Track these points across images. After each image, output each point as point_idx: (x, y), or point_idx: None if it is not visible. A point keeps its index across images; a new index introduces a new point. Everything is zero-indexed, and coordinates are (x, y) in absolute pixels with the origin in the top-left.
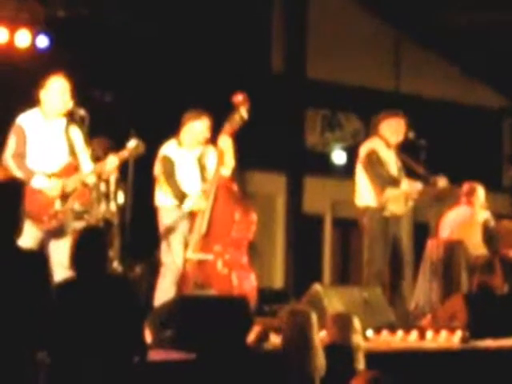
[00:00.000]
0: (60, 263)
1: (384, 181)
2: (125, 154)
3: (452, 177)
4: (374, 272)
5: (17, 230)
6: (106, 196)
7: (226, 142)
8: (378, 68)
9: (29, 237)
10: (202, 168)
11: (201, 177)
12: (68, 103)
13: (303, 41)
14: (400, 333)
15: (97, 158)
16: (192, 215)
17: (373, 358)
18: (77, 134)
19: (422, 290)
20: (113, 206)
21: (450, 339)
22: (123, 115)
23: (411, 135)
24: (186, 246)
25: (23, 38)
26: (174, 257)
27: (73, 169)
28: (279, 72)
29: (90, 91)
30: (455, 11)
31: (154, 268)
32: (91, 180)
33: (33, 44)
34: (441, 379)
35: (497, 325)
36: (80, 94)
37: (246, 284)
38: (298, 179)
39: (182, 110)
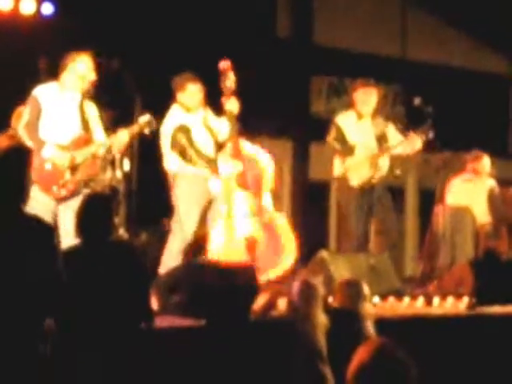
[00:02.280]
0: (68, 232)
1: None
2: (135, 128)
3: (458, 143)
4: (355, 244)
5: (23, 197)
6: (112, 163)
7: (234, 104)
8: (385, 34)
9: (41, 205)
10: (210, 131)
11: (213, 140)
12: (90, 81)
13: (309, 6)
14: (406, 299)
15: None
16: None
17: (379, 324)
18: (92, 109)
19: (428, 256)
20: (118, 173)
21: (457, 305)
22: (130, 82)
23: (417, 102)
24: (203, 217)
25: (28, 6)
26: (183, 225)
27: (84, 141)
28: (285, 37)
29: (96, 58)
30: None
31: (160, 235)
32: (101, 152)
33: (38, 11)
34: (447, 345)
35: (503, 291)
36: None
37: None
38: (304, 146)
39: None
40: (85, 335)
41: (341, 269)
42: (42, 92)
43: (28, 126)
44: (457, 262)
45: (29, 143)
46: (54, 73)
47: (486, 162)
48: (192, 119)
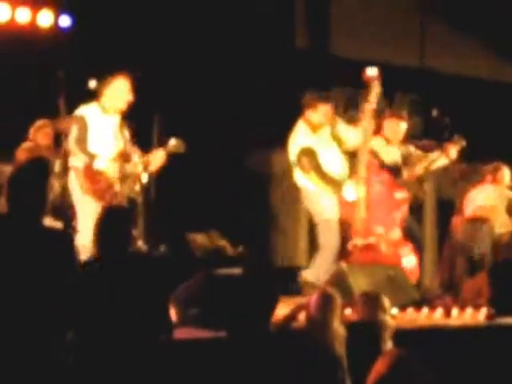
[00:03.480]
0: None
1: None
2: (167, 149)
3: (476, 154)
4: None
5: (42, 208)
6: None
7: (370, 124)
8: (403, 44)
9: (92, 214)
10: (338, 141)
11: (340, 153)
12: (127, 102)
13: (327, 17)
14: (425, 310)
15: None
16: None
17: (398, 335)
18: (127, 130)
19: (446, 267)
20: (137, 186)
21: (475, 316)
22: (148, 94)
23: (435, 113)
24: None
25: (46, 18)
26: (326, 236)
27: (126, 157)
28: (303, 48)
29: (113, 71)
30: None
31: (178, 247)
32: (139, 169)
33: (55, 24)
34: (466, 356)
35: None
36: (103, 74)
37: (410, 258)
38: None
39: (207, 87)
40: (103, 347)
41: (359, 281)
42: (87, 112)
43: (79, 141)
44: (475, 272)
45: (81, 157)
46: (71, 86)
47: (505, 172)
48: (317, 139)
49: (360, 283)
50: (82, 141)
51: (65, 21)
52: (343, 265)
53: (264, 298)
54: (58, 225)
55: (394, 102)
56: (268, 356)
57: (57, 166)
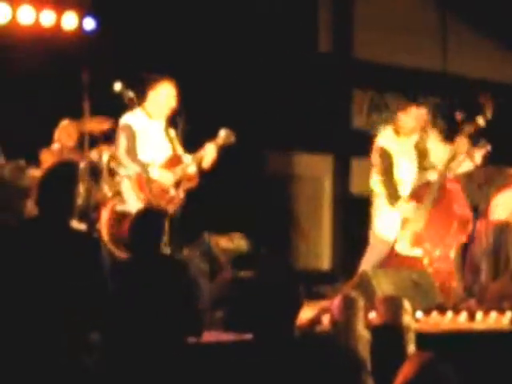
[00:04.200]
0: None
1: None
2: (219, 141)
3: (502, 158)
4: None
5: (71, 211)
6: None
7: (463, 144)
8: (425, 48)
9: None
10: (420, 154)
11: (416, 165)
12: (172, 107)
13: (350, 20)
14: (449, 314)
15: None
16: None
17: (422, 339)
18: (173, 134)
19: (470, 271)
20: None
21: (500, 320)
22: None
23: (459, 116)
24: None
25: (70, 21)
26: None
27: (176, 161)
28: (326, 52)
29: (137, 73)
30: None
31: (201, 250)
32: (192, 169)
33: (79, 26)
34: (490, 360)
35: None
36: (128, 77)
37: (446, 285)
38: (345, 160)
39: (229, 89)
40: (132, 348)
41: (383, 284)
42: (133, 120)
43: (128, 151)
44: (500, 276)
45: (132, 167)
46: (96, 88)
47: None
48: (400, 144)
49: (384, 287)
50: (131, 150)
51: (89, 23)
52: (367, 268)
53: (288, 300)
54: (82, 227)
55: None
56: (293, 359)
57: (81, 167)
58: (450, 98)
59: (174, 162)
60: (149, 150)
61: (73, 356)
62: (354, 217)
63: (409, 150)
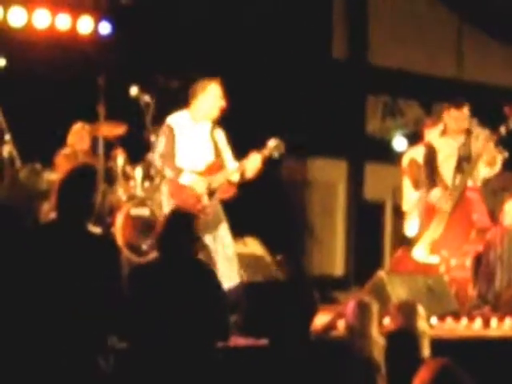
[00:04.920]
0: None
1: None
2: (265, 152)
3: None
4: None
5: (91, 214)
6: None
7: (491, 150)
8: (440, 54)
9: None
10: (462, 160)
11: (455, 167)
12: (221, 108)
13: (365, 27)
14: (464, 320)
15: None
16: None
17: (437, 345)
18: (221, 136)
19: (484, 278)
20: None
21: None
22: (187, 101)
23: (474, 124)
24: None
25: (86, 25)
26: None
27: (217, 167)
28: (341, 58)
29: (154, 78)
30: None
31: None
32: (235, 178)
33: (95, 30)
34: (505, 367)
35: None
36: (144, 81)
37: (461, 294)
38: (358, 166)
39: (244, 95)
40: (159, 351)
41: (398, 289)
42: (176, 121)
43: (165, 155)
44: None
45: (167, 172)
46: (111, 92)
47: None
48: (444, 143)
49: (398, 292)
50: (168, 155)
51: (105, 27)
52: (382, 273)
53: (304, 305)
54: (97, 230)
55: (432, 112)
56: (308, 364)
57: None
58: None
59: (214, 168)
60: (189, 155)
61: (90, 359)
62: (367, 222)
63: (451, 150)
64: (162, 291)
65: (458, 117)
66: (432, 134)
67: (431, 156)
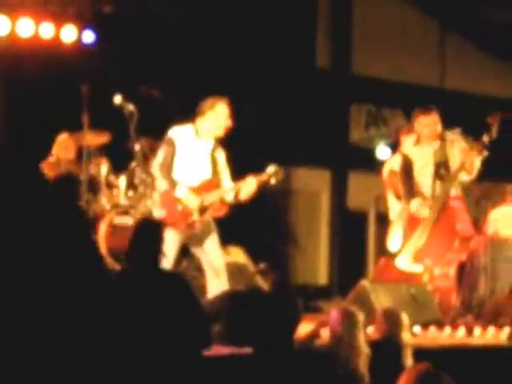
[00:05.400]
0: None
1: None
2: (263, 177)
3: (501, 174)
4: None
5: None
6: (153, 191)
7: (471, 160)
8: (423, 64)
9: (171, 242)
10: (443, 163)
11: (432, 173)
12: (226, 128)
13: (348, 36)
14: (447, 329)
15: (144, 157)
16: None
17: (420, 354)
18: (221, 155)
19: (467, 287)
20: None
21: (498, 336)
22: (171, 110)
23: (457, 132)
24: None
25: (69, 34)
26: None
27: (213, 185)
28: (324, 67)
29: (137, 86)
30: (502, 5)
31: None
32: (229, 197)
33: (79, 39)
34: (488, 376)
35: None
36: (128, 89)
37: (445, 302)
38: (342, 175)
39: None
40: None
41: (382, 298)
42: (179, 134)
43: (163, 166)
44: (497, 292)
45: (162, 182)
46: (95, 101)
47: None
48: (418, 151)
49: (382, 301)
50: (165, 166)
51: (88, 36)
52: (365, 282)
53: (287, 314)
54: None
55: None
56: (292, 373)
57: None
58: (448, 113)
59: (210, 185)
60: (187, 169)
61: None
62: (351, 231)
63: (427, 156)
64: (129, 301)
65: (427, 123)
66: (407, 143)
67: (407, 166)
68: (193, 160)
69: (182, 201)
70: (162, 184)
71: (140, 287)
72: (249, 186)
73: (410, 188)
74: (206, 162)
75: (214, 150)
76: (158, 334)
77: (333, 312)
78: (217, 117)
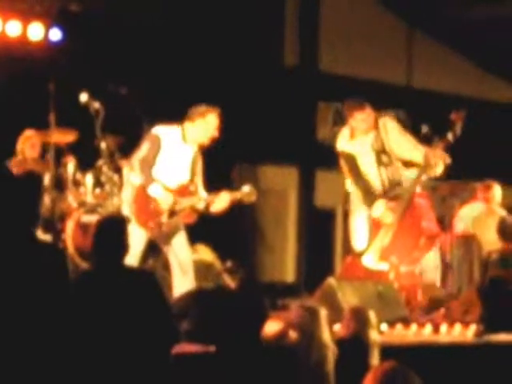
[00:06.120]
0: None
1: None
2: (237, 195)
3: (468, 172)
4: None
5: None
6: (120, 189)
7: (436, 160)
8: (391, 62)
9: (138, 239)
10: (382, 152)
11: (379, 161)
12: (212, 138)
13: (316, 34)
14: (414, 327)
15: (111, 155)
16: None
17: (387, 351)
18: (200, 163)
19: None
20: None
21: (464, 333)
22: (137, 108)
23: (425, 130)
24: None
25: (36, 31)
26: None
27: (188, 191)
28: (292, 65)
29: (103, 84)
30: (468, 3)
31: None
32: (200, 206)
33: (46, 37)
34: (455, 373)
35: (511, 319)
36: (94, 87)
37: (412, 298)
38: (309, 173)
39: (193, 103)
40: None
41: (348, 296)
42: (165, 134)
43: (144, 161)
44: (464, 289)
45: (138, 177)
46: (62, 99)
47: (496, 191)
48: (357, 145)
49: (349, 299)
50: (147, 162)
51: (55, 34)
52: (332, 280)
53: (253, 312)
54: (47, 238)
55: None
56: (258, 371)
57: (46, 179)
58: (415, 111)
59: (185, 190)
60: (167, 169)
61: None
62: (318, 229)
63: (367, 149)
64: (98, 302)
65: (364, 118)
66: (341, 139)
67: (352, 164)
68: (174, 162)
69: (155, 200)
70: (137, 178)
71: (105, 285)
72: (221, 201)
73: (365, 187)
74: (186, 166)
75: (195, 157)
76: (125, 331)
77: (294, 309)
78: (206, 125)
